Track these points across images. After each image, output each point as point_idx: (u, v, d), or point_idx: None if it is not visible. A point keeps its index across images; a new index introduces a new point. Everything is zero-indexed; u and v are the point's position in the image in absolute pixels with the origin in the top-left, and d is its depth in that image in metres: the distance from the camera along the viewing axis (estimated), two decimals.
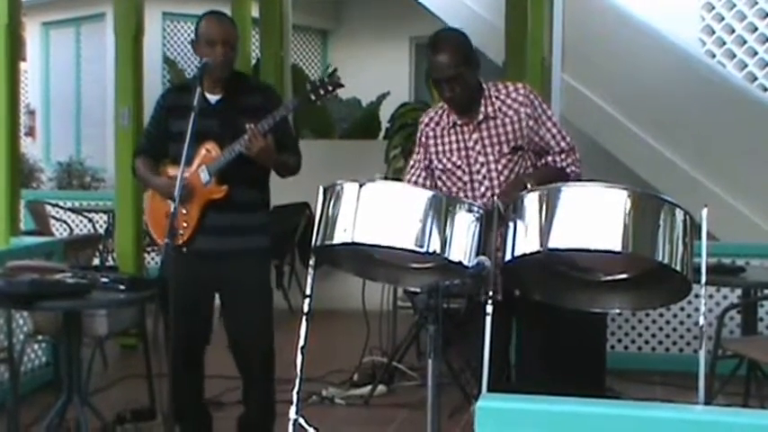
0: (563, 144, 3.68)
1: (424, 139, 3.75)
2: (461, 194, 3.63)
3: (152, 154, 4.11)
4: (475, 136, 3.63)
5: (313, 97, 3.92)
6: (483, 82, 3.66)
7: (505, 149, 3.61)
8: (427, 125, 3.75)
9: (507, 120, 3.61)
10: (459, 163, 3.66)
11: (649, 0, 8.77)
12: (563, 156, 3.68)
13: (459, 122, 3.66)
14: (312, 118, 9.25)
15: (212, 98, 3.93)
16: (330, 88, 3.91)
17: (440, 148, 3.70)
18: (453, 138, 3.67)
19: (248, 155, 3.78)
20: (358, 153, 8.19)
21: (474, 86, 3.62)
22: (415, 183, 3.73)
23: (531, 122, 3.61)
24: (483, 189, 3.62)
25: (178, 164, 3.75)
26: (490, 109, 3.61)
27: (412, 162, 3.83)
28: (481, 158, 3.63)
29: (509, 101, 3.62)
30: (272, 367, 4.06)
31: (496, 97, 3.63)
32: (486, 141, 3.62)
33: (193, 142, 3.71)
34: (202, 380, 4.14)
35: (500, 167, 3.62)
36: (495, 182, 3.61)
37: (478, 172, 3.64)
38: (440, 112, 3.73)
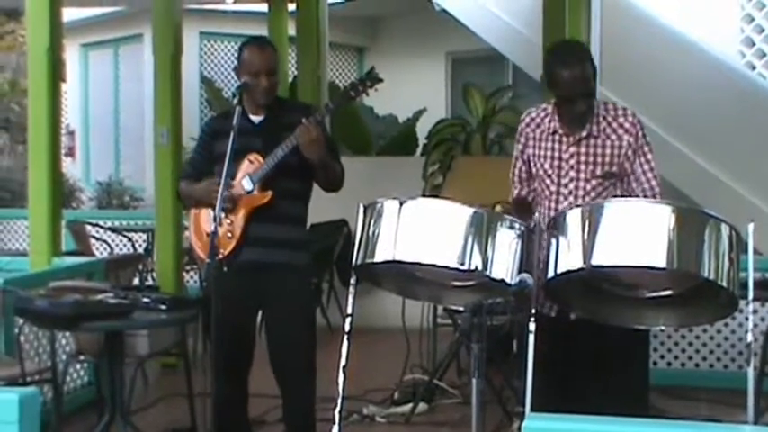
0: (653, 183, 3.53)
1: (523, 140, 3.68)
2: (548, 203, 3.58)
3: (196, 178, 4.13)
4: (572, 150, 3.55)
5: (353, 94, 3.91)
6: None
7: (598, 171, 3.52)
8: (528, 125, 3.67)
9: (609, 143, 3.52)
10: (549, 172, 3.59)
11: (688, 12, 8.69)
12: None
13: (560, 132, 3.57)
14: (350, 135, 9.26)
15: (255, 119, 3.96)
16: (369, 83, 3.89)
17: (535, 151, 3.63)
18: (550, 145, 3.59)
19: (300, 145, 3.77)
20: (395, 170, 8.18)
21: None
22: (519, 177, 3.73)
23: (629, 152, 3.52)
24: (566, 204, 3.52)
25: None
26: (595, 128, 3.52)
27: (516, 154, 3.76)
28: (572, 173, 3.55)
29: (615, 124, 3.53)
30: (312, 386, 4.04)
31: (604, 117, 3.54)
32: (582, 158, 3.53)
33: (232, 161, 3.73)
34: (246, 399, 4.12)
35: (588, 188, 3.53)
36: (580, 201, 3.50)
37: (566, 186, 3.56)
38: (542, 114, 3.64)
